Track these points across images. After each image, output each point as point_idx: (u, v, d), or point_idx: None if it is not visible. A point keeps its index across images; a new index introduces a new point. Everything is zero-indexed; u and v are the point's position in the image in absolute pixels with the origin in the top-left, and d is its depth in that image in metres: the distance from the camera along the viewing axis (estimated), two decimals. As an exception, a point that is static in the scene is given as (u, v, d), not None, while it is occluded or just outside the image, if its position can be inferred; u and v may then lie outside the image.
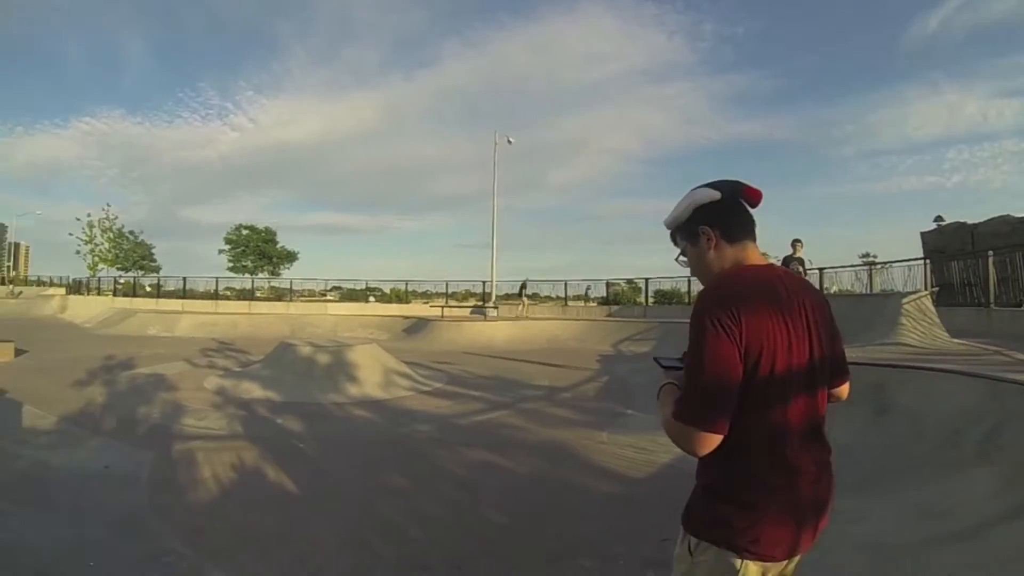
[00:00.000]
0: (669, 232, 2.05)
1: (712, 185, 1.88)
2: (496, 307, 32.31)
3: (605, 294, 35.62)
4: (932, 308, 12.24)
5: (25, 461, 6.70)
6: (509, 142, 35.07)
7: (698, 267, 1.93)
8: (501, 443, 8.26)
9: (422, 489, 6.43)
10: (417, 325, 27.14)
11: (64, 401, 10.29)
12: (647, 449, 7.58)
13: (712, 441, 1.62)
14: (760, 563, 1.68)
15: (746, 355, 1.59)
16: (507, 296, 37.69)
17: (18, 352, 16.68)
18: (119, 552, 4.71)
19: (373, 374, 12.52)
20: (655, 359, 2.16)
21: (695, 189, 1.91)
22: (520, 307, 30.62)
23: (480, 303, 36.02)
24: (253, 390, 11.73)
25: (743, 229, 1.85)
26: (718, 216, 1.84)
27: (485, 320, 28.40)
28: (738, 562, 1.67)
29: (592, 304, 35.98)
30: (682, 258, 2.01)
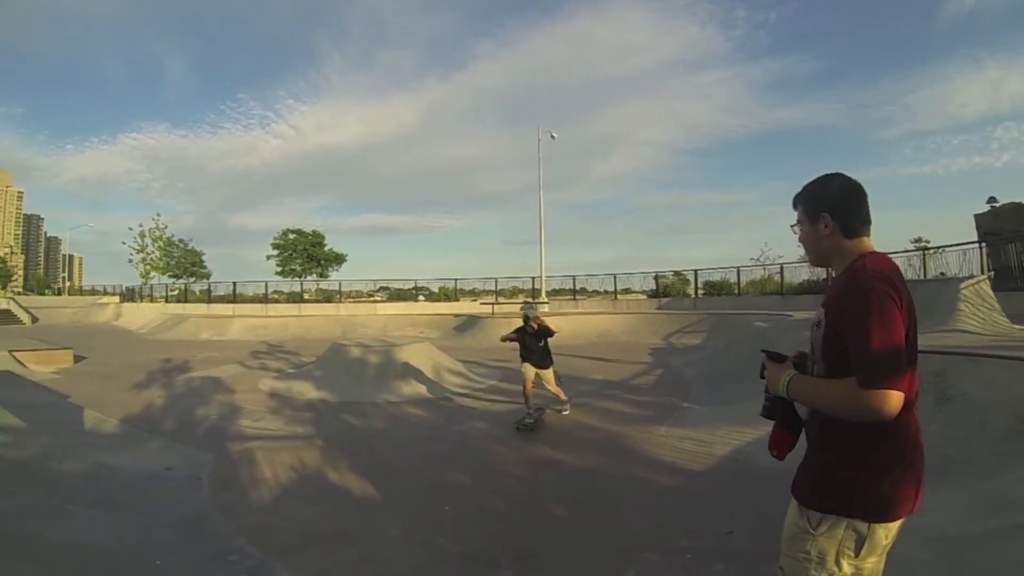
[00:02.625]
0: (793, 197, 2.16)
1: (846, 178, 2.04)
2: (547, 302, 32.20)
3: (655, 286, 35.21)
4: (991, 293, 11.75)
5: (89, 463, 6.87)
6: (552, 137, 34.91)
7: (809, 245, 2.10)
8: (558, 438, 8.23)
9: (482, 485, 6.45)
10: (467, 323, 27.23)
11: (123, 405, 10.56)
12: (705, 442, 7.46)
13: (901, 401, 1.67)
14: (885, 526, 1.78)
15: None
16: (556, 292, 37.53)
17: (77, 358, 17.23)
18: (185, 551, 4.80)
19: (426, 372, 12.56)
20: (764, 352, 2.19)
21: (832, 176, 2.07)
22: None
23: (529, 299, 35.95)
24: (307, 391, 11.89)
25: (862, 226, 1.99)
26: (844, 210, 1.99)
27: None
28: (865, 527, 1.77)
29: (641, 297, 35.65)
30: (795, 227, 2.15)
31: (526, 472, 6.94)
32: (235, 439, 8.34)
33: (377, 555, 4.72)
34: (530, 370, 9.29)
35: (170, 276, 53.24)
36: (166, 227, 54.91)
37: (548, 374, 9.51)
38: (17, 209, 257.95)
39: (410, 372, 12.38)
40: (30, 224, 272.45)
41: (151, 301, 47.21)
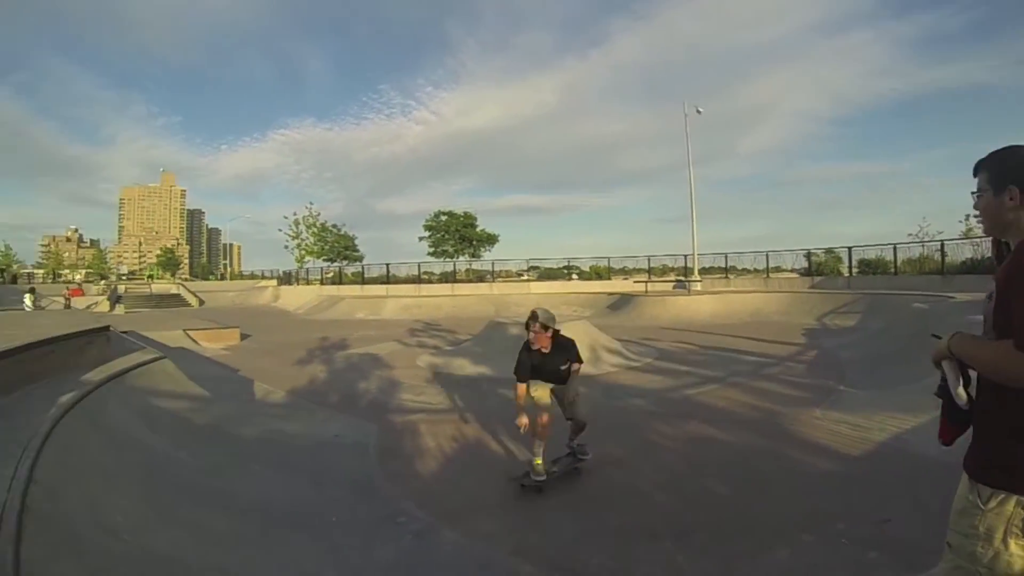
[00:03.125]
0: (976, 163, 2.11)
1: None
2: (700, 280, 31.74)
3: (806, 264, 33.62)
4: None
5: (264, 429, 7.55)
6: (698, 112, 34.34)
7: (989, 216, 2.04)
8: (715, 417, 8.15)
9: (641, 460, 6.57)
10: (620, 301, 27.26)
11: (289, 378, 11.40)
12: (862, 427, 7.15)
13: None
14: None
15: None
16: (706, 270, 36.77)
17: (243, 336, 18.79)
18: (357, 511, 5.25)
19: (583, 350, 12.62)
20: (934, 335, 2.19)
21: (1022, 146, 2.00)
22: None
23: (682, 277, 35.54)
24: (465, 367, 12.42)
25: None
26: None
27: (688, 294, 27.91)
28: None
29: (792, 275, 34.24)
30: (977, 195, 2.09)
31: (683, 448, 7.00)
32: (398, 411, 8.86)
33: (541, 523, 4.94)
34: (543, 390, 6.09)
35: (324, 260, 56.32)
36: (319, 214, 58.17)
37: (572, 393, 6.22)
38: (181, 205, 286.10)
39: (568, 349, 12.57)
40: (193, 218, 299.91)
41: (307, 284, 50.32)
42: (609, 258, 45.15)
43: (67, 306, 30.26)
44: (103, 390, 6.00)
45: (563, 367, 5.98)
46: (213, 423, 7.05)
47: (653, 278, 38.99)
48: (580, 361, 6.21)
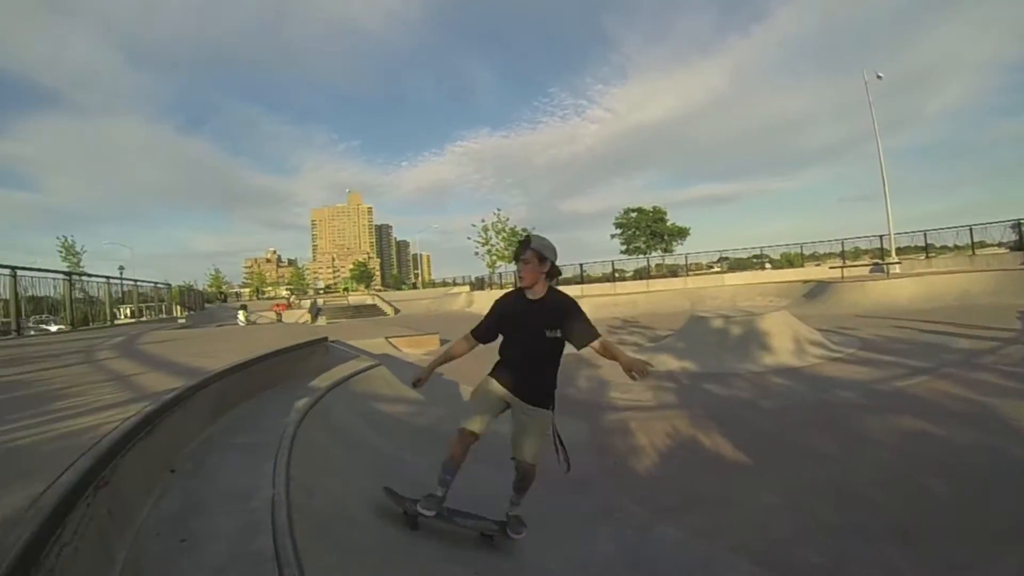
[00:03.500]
0: None
1: None
2: (898, 262, 29.79)
3: (1016, 238, 30.26)
4: None
5: (478, 429, 7.84)
6: (879, 77, 32.25)
7: None
8: (929, 410, 7.69)
9: (853, 455, 6.42)
10: (816, 288, 26.20)
11: (494, 380, 11.80)
12: None
13: None
14: None
15: None
16: (903, 250, 34.39)
17: (442, 341, 19.53)
18: (574, 505, 5.55)
19: (785, 341, 12.43)
20: None
21: None
22: None
23: (878, 259, 33.66)
24: (669, 362, 12.49)
25: None
26: None
27: (887, 278, 26.28)
28: None
29: (1001, 251, 31.07)
30: None
31: (897, 443, 6.70)
32: (607, 409, 9.10)
33: (757, 520, 5.00)
34: (494, 394, 4.72)
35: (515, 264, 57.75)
36: (507, 219, 59.73)
37: (536, 422, 4.67)
38: (369, 221, 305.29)
39: (770, 341, 12.36)
40: (381, 232, 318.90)
41: (500, 288, 51.69)
42: (801, 244, 43.81)
43: (279, 319, 32.77)
44: (330, 395, 6.62)
45: (550, 333, 4.20)
46: (430, 425, 7.56)
47: (847, 262, 37.48)
48: (593, 336, 4.22)
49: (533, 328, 4.21)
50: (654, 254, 52.63)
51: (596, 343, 4.19)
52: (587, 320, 4.26)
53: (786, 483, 5.74)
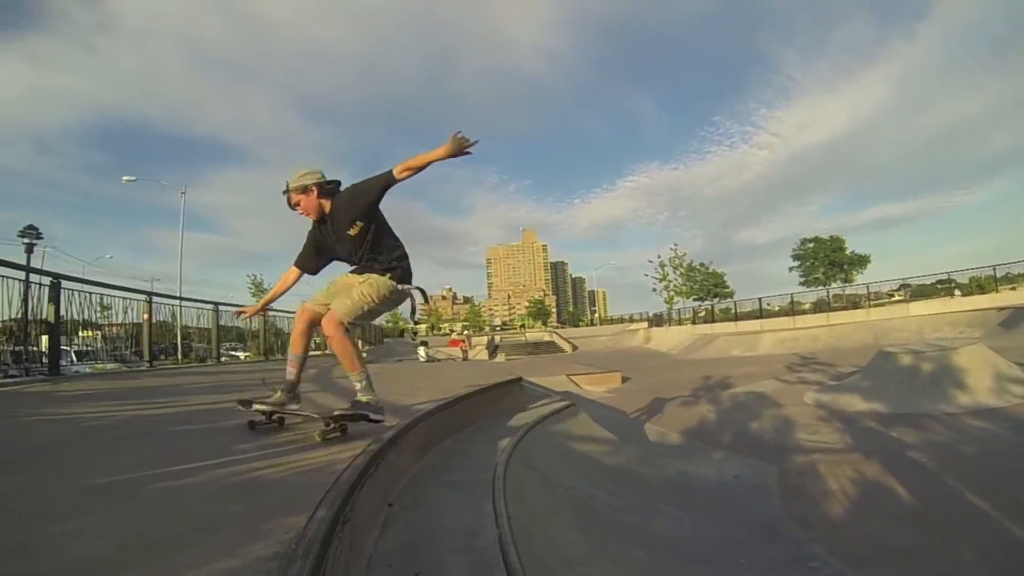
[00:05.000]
0: None
1: None
2: None
3: None
4: None
5: (667, 469, 8.05)
6: None
7: None
8: None
9: None
10: (1014, 316, 23.19)
11: (678, 419, 11.94)
12: None
13: None
14: None
15: None
16: None
17: (624, 379, 19.55)
18: (763, 552, 5.49)
19: (983, 378, 11.52)
20: None
21: None
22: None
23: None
24: (855, 403, 11.94)
25: None
26: None
27: None
28: None
29: None
30: None
31: None
32: (794, 451, 8.93)
33: (957, 573, 4.77)
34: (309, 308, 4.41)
35: (694, 299, 57.00)
36: (684, 254, 59.18)
37: (341, 304, 4.14)
38: (544, 259, 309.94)
39: (965, 379, 11.53)
40: (556, 270, 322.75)
41: (678, 324, 51.21)
42: (994, 266, 38.61)
43: (465, 358, 33.62)
44: (530, 435, 6.88)
45: (352, 231, 4.19)
46: (622, 464, 7.71)
47: None
48: (384, 180, 4.11)
49: (341, 240, 4.27)
50: (834, 285, 50.49)
51: (393, 176, 4.07)
52: (369, 180, 4.21)
53: (987, 540, 5.41)
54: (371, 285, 4.21)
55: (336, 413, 4.22)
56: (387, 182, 4.09)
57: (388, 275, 4.28)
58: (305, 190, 4.22)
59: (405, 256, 4.43)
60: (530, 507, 4.76)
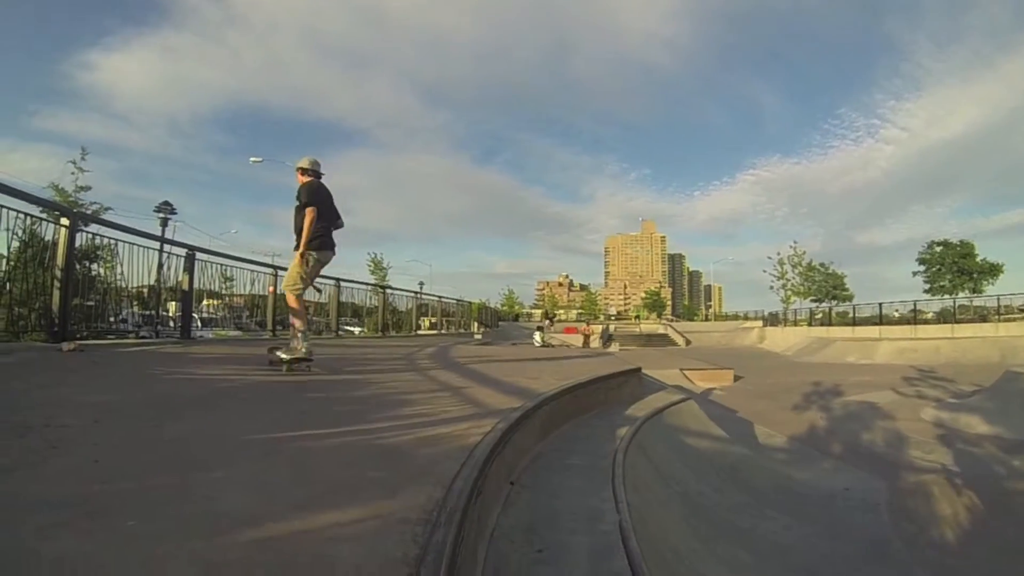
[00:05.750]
0: None
1: None
2: None
3: None
4: None
5: (775, 474, 8.04)
6: None
7: None
8: None
9: None
10: None
11: (788, 423, 11.84)
12: None
13: None
14: None
15: None
16: None
17: (736, 378, 19.36)
18: (868, 571, 5.47)
19: None
20: None
21: None
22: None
23: None
24: (976, 424, 11.42)
25: None
26: None
27: None
28: None
29: None
30: None
31: None
32: (908, 469, 8.70)
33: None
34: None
35: (812, 300, 55.19)
36: (804, 253, 57.17)
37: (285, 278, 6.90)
38: (662, 251, 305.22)
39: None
40: (673, 262, 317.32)
41: (794, 325, 49.72)
42: None
43: (586, 345, 33.55)
44: (647, 425, 6.99)
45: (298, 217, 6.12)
46: (732, 464, 7.72)
47: None
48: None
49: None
50: (961, 295, 47.82)
51: (304, 211, 5.95)
52: (303, 193, 6.03)
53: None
54: (292, 263, 6.14)
55: (286, 357, 5.82)
56: (303, 206, 5.95)
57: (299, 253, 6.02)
58: (305, 172, 6.17)
59: (319, 236, 6.11)
60: (645, 496, 4.85)
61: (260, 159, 38.78)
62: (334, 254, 6.35)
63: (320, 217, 6.04)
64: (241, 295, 13.45)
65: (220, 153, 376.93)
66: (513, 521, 3.25)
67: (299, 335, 5.95)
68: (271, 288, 12.70)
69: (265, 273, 12.72)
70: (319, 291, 7.96)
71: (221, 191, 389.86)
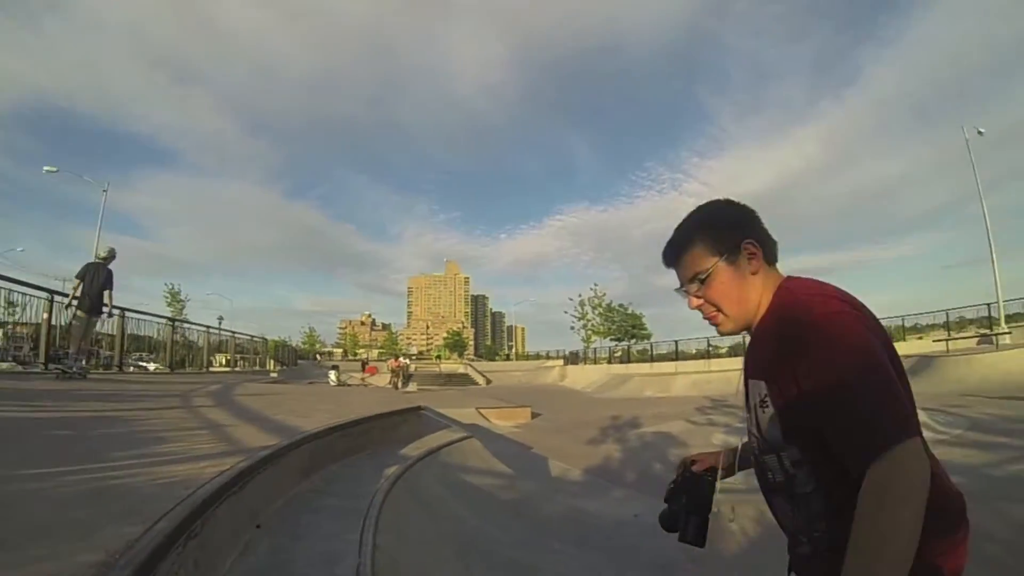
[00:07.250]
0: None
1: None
2: (1009, 332, 27.35)
3: None
4: None
5: (564, 506, 7.90)
6: (980, 133, 31.92)
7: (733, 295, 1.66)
8: None
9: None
10: (918, 364, 24.14)
11: (583, 456, 11.86)
12: None
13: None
14: None
15: None
16: (1016, 316, 32.27)
17: (533, 415, 19.46)
18: None
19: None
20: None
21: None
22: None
23: (986, 330, 31.29)
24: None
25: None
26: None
27: (996, 350, 24.48)
28: None
29: None
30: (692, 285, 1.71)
31: (1011, 537, 5.90)
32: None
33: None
34: None
35: (611, 339, 57.64)
36: (604, 295, 59.98)
37: None
38: (465, 291, 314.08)
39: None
40: (477, 303, 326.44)
41: (594, 363, 51.74)
42: (903, 317, 40.66)
43: (396, 386, 32.98)
44: (420, 464, 6.72)
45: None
46: (517, 499, 7.56)
47: (952, 334, 34.55)
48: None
49: None
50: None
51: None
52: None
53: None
54: None
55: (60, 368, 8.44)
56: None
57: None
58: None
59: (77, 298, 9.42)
60: (407, 539, 4.61)
61: (55, 168, 35.44)
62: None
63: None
64: (24, 323, 12.86)
65: (16, 157, 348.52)
66: (247, 567, 3.11)
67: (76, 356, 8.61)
68: (45, 315, 11.78)
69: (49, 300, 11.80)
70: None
71: (11, 200, 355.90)
